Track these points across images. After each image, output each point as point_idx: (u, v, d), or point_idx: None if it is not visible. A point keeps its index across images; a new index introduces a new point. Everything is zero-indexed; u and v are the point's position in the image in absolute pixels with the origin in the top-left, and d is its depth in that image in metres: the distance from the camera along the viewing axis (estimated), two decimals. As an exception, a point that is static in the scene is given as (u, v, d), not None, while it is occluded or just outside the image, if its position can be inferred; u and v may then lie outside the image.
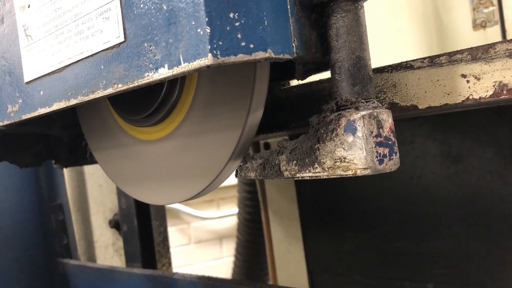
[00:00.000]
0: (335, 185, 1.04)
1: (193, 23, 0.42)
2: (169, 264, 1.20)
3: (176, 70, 0.44)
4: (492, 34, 0.88)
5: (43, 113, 0.61)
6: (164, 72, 0.45)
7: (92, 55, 0.53)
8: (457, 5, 0.90)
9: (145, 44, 0.47)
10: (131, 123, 0.65)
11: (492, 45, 0.46)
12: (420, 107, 0.51)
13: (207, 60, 0.41)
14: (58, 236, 1.30)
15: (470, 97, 0.48)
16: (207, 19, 0.41)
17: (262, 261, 1.48)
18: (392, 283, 0.99)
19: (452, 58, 0.48)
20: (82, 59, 0.54)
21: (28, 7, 0.61)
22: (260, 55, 0.41)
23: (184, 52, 0.43)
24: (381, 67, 0.53)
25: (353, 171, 0.43)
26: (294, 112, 0.62)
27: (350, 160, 0.43)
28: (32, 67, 0.61)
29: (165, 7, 0.44)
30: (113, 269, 1.13)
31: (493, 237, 0.86)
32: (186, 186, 0.60)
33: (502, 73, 0.46)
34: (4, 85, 0.66)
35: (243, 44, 0.41)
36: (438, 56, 0.49)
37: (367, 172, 0.42)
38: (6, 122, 0.67)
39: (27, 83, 0.63)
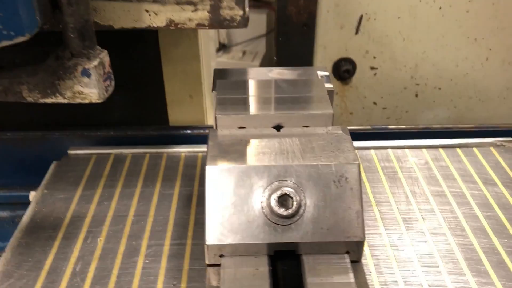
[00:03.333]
0: None
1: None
2: None
3: None
4: None
5: None
6: None
7: None
8: None
9: None
10: None
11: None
12: (115, 27, 0.70)
13: (-26, 48, 0.49)
14: None
15: (151, 25, 0.70)
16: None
17: None
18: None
19: (139, -3, 0.67)
20: None
21: None
22: (21, 39, 0.52)
23: None
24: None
25: (89, 100, 0.63)
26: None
27: (87, 94, 0.62)
28: None
29: None
30: None
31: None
32: None
33: (172, 13, 0.69)
34: None
35: (5, 33, 0.51)
36: (129, -6, 0.67)
37: (100, 100, 0.63)
38: None
39: None
